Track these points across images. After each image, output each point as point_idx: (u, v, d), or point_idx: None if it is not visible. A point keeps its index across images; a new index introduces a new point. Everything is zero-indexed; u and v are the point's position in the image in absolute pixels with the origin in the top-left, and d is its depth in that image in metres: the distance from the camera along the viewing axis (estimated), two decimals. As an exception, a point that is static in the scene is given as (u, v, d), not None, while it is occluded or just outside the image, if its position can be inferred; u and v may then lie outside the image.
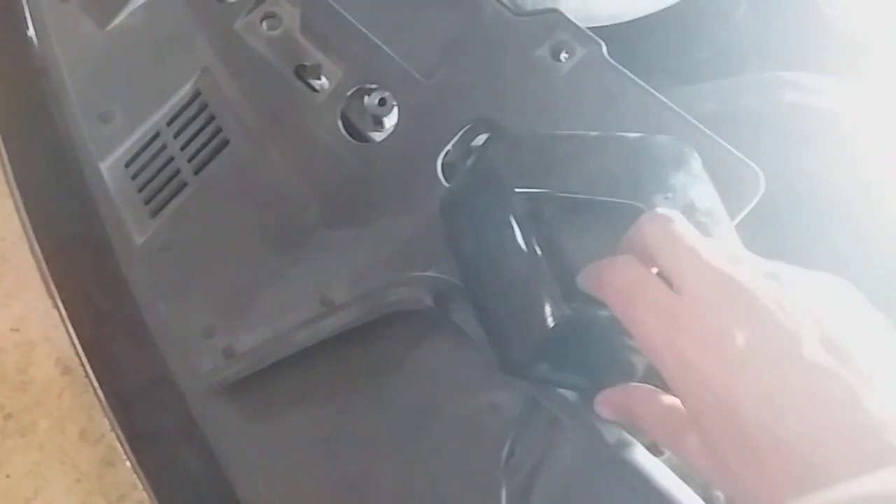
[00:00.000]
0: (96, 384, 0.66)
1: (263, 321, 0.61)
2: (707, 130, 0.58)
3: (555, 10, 0.61)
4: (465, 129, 0.62)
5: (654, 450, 0.59)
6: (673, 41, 0.83)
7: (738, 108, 0.61)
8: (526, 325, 0.54)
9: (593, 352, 0.54)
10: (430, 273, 0.59)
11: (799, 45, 0.79)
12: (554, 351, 0.54)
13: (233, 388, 0.61)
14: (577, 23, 0.62)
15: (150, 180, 0.66)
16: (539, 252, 0.54)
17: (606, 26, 0.74)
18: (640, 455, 0.57)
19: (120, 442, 0.65)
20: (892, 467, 0.33)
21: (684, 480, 0.57)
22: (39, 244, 0.70)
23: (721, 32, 0.83)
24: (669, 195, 0.53)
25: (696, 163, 0.54)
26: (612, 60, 0.60)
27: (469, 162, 0.58)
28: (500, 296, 0.55)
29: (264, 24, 0.67)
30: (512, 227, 0.54)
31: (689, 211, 0.52)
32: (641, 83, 0.59)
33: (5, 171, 0.73)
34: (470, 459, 0.60)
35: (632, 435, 0.57)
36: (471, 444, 0.60)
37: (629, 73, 0.60)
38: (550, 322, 0.52)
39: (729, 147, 0.57)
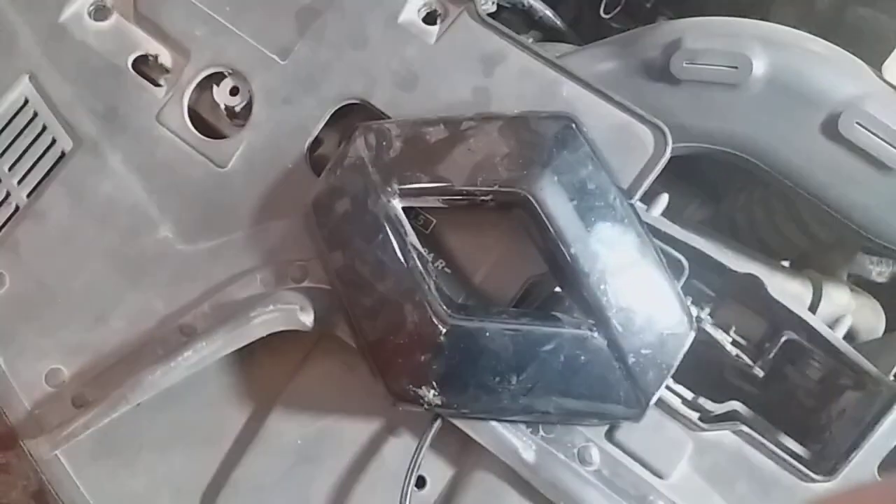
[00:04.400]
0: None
1: (117, 360, 0.52)
2: (604, 89, 0.50)
3: (420, -32, 0.53)
4: (331, 112, 0.53)
5: (583, 460, 0.52)
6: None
7: (640, 62, 0.54)
8: (409, 342, 0.46)
9: (490, 367, 0.46)
10: (305, 284, 0.51)
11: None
12: (444, 369, 0.46)
13: (89, 442, 0.52)
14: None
15: (-24, 209, 0.57)
16: (417, 259, 0.47)
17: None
18: (565, 473, 0.50)
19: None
20: None
21: (616, 493, 0.50)
22: None
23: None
24: (556, 178, 0.46)
25: (583, 138, 0.47)
26: (490, 19, 0.52)
27: (333, 160, 0.50)
28: (377, 312, 0.47)
29: (92, 14, 0.57)
30: (385, 232, 0.47)
31: (581, 195, 0.46)
32: (526, 42, 0.51)
33: None
34: (373, 494, 0.52)
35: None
36: (372, 475, 0.52)
37: (511, 32, 0.52)
38: (436, 336, 0.45)
39: (629, 104, 0.49)
